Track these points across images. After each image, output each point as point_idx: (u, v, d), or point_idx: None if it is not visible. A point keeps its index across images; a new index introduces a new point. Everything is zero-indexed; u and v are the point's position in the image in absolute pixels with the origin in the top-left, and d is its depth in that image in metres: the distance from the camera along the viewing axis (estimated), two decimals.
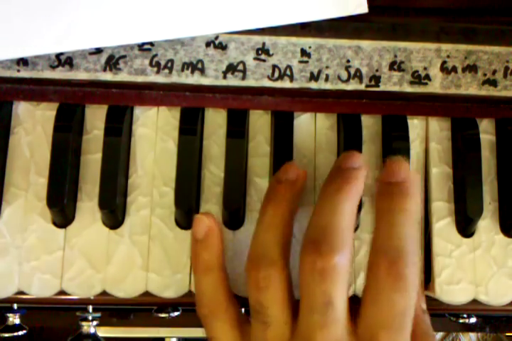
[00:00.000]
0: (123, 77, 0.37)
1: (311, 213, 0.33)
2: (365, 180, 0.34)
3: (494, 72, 0.39)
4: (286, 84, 0.38)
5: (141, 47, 0.38)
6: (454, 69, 0.39)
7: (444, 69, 0.39)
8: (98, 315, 0.40)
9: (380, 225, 0.33)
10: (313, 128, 0.39)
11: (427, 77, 0.39)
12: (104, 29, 0.36)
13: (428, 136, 0.39)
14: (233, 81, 0.38)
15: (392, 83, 0.38)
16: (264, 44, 0.38)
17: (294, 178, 0.35)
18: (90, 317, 0.39)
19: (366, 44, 0.38)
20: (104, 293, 0.36)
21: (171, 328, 0.52)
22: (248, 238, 0.34)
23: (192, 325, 0.41)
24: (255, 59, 0.38)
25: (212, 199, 0.38)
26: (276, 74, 0.38)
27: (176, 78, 0.38)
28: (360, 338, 0.31)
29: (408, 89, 0.39)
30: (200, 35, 0.37)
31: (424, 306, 0.36)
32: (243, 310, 0.36)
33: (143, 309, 0.43)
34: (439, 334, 0.74)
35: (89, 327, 0.40)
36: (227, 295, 0.35)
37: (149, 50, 0.38)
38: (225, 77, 0.38)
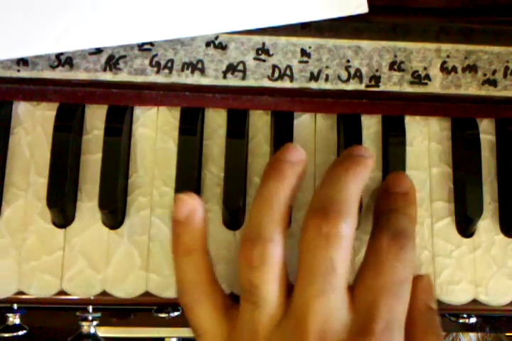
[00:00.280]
0: (123, 77, 0.37)
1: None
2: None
3: (494, 72, 0.39)
4: (286, 84, 0.38)
5: (141, 47, 0.38)
6: (454, 69, 0.39)
7: (444, 69, 0.39)
8: (98, 315, 0.40)
9: (383, 216, 0.34)
10: (313, 128, 0.39)
11: (427, 77, 0.39)
12: (104, 29, 0.36)
13: (428, 136, 0.39)
14: (233, 81, 0.38)
15: (392, 83, 0.38)
16: (264, 44, 0.38)
17: (298, 159, 0.33)
18: (90, 317, 0.39)
19: (366, 44, 0.38)
20: (104, 293, 0.36)
21: (171, 328, 0.52)
22: None
23: None
24: (255, 59, 0.38)
25: (213, 200, 0.38)
26: (276, 74, 0.38)
27: (175, 78, 0.38)
28: (358, 306, 0.31)
29: (408, 89, 0.39)
30: (200, 35, 0.37)
31: (432, 305, 0.35)
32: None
33: (143, 309, 0.42)
34: None
35: (89, 327, 0.40)
36: (211, 279, 0.33)
37: (149, 50, 0.38)
38: (225, 77, 0.38)
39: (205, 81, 0.38)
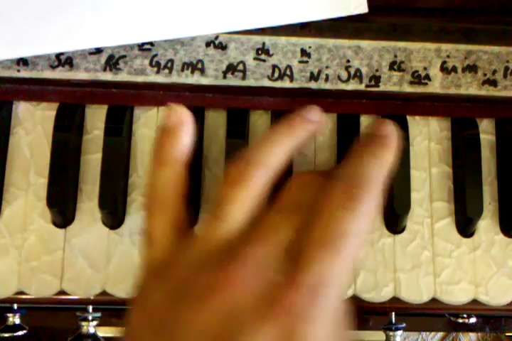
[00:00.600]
0: (123, 77, 0.37)
1: None
2: None
3: (494, 72, 0.39)
4: (286, 84, 0.38)
5: (141, 47, 0.38)
6: (454, 69, 0.39)
7: (444, 69, 0.39)
8: (98, 315, 0.40)
9: (349, 163, 0.31)
10: None
11: (427, 77, 0.39)
12: (104, 29, 0.36)
13: (428, 136, 0.39)
14: (233, 81, 0.38)
15: (392, 83, 0.38)
16: (264, 44, 0.38)
17: (316, 119, 0.33)
18: (90, 317, 0.39)
19: (366, 44, 0.38)
20: (104, 293, 0.36)
21: None
22: None
23: None
24: (255, 59, 0.38)
25: (213, 200, 0.38)
26: (276, 74, 0.38)
27: (175, 78, 0.38)
28: (291, 254, 0.28)
29: (408, 89, 0.39)
30: (200, 35, 0.37)
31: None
32: None
33: None
34: (439, 334, 0.74)
35: (89, 327, 0.40)
36: (179, 192, 0.32)
37: (149, 50, 0.38)
38: (225, 77, 0.38)
39: (205, 81, 0.38)
